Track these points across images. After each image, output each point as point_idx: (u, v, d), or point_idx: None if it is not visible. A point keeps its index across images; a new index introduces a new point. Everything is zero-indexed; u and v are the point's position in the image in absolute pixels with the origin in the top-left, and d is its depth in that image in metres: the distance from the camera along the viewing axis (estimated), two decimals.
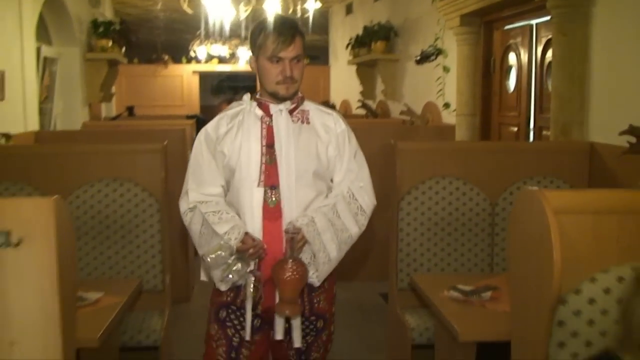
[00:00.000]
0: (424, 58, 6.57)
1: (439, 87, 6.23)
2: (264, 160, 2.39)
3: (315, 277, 2.42)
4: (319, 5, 6.53)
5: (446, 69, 6.06)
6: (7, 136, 4.43)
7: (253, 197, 2.38)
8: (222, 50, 13.08)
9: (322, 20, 11.19)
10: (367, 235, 4.99)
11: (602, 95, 3.73)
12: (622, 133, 2.92)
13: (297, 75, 2.39)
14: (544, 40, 4.68)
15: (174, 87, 13.12)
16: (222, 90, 17.71)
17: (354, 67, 9.13)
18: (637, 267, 1.67)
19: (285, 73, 2.35)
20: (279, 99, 2.41)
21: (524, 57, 5.00)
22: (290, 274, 2.22)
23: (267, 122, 2.42)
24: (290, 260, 2.24)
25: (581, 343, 1.76)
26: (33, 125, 5.49)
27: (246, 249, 2.31)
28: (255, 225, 2.37)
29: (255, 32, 2.41)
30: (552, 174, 3.64)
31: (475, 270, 3.54)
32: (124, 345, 3.28)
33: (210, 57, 13.73)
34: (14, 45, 5.06)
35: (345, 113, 10.01)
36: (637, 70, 3.40)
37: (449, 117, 6.05)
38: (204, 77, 14.78)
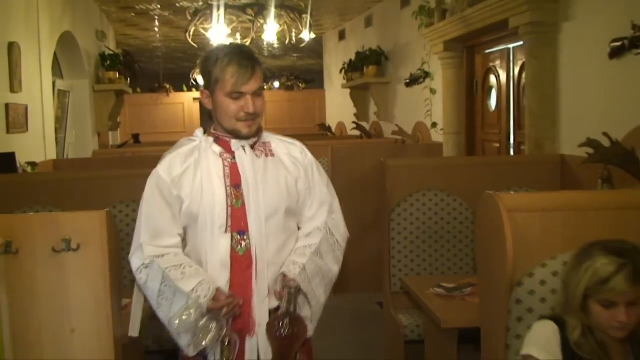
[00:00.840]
0: (413, 81, 7.04)
1: (427, 107, 6.68)
2: (230, 203, 2.14)
3: (311, 329, 2.25)
4: (313, 36, 6.97)
5: (433, 91, 6.51)
6: (33, 164, 4.85)
7: (220, 245, 2.12)
8: None
9: (317, 45, 11.67)
10: (364, 248, 5.39)
11: (570, 112, 4.16)
12: (581, 145, 3.34)
13: (259, 110, 2.16)
14: (520, 63, 5.12)
15: (176, 114, 13.57)
16: None
17: (347, 91, 9.58)
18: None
19: (247, 109, 2.12)
20: (240, 137, 2.19)
21: (503, 78, 5.44)
22: (291, 331, 2.03)
23: (229, 160, 2.19)
24: (289, 318, 2.05)
25: (535, 317, 2.15)
26: (51, 154, 5.93)
27: (219, 307, 2.08)
28: (222, 278, 2.13)
29: (208, 63, 2.14)
30: (528, 184, 4.05)
31: (460, 272, 3.94)
32: (148, 349, 3.66)
33: None
34: (34, 81, 5.50)
35: (341, 134, 10.47)
36: (598, 89, 3.83)
37: (437, 136, 6.47)
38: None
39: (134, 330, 2.28)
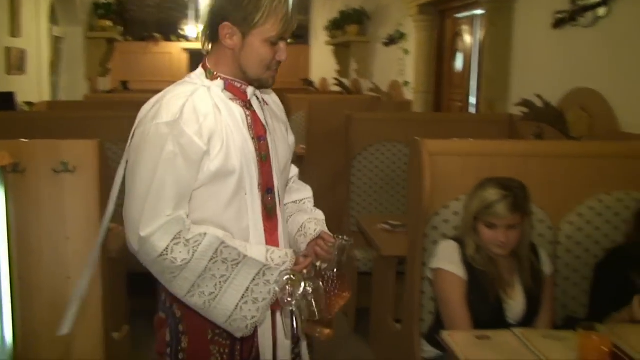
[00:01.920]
0: (390, 41, 7.44)
1: (400, 67, 7.10)
2: (258, 157, 1.85)
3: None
4: None
5: (406, 52, 6.92)
6: (30, 104, 5.26)
7: (254, 206, 1.84)
8: None
9: (306, 1, 11.98)
10: (335, 194, 5.82)
11: (519, 76, 4.60)
12: (517, 105, 3.79)
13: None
14: (484, 30, 5.53)
15: (164, 63, 13.89)
16: None
17: (331, 48, 9.95)
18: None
19: (281, 57, 1.84)
20: (261, 86, 1.90)
21: (468, 42, 5.85)
22: (347, 292, 1.86)
23: (248, 108, 1.88)
24: (343, 275, 1.86)
25: None
26: (46, 96, 6.33)
27: (300, 270, 1.83)
28: (260, 242, 1.85)
29: (245, 1, 1.75)
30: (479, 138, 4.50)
31: None
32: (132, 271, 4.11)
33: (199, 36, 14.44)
34: (32, 27, 5.87)
35: (324, 89, 10.87)
36: (542, 56, 4.27)
37: (408, 94, 6.91)
38: (193, 54, 15.50)
39: (65, 327, 1.90)
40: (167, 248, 1.69)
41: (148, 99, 1.83)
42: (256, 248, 1.80)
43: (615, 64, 3.48)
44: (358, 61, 8.82)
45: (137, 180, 1.73)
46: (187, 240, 1.71)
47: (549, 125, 3.77)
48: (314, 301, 1.73)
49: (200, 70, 1.87)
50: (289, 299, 1.72)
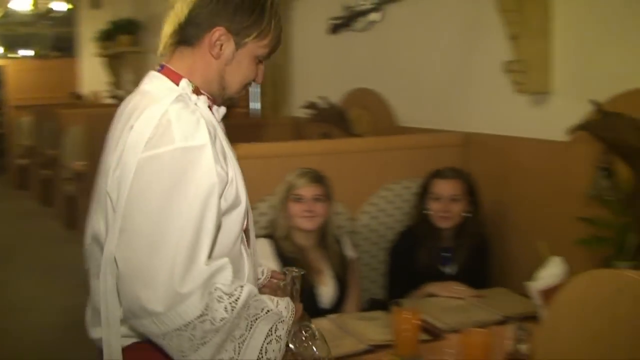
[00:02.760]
0: None
1: None
2: None
3: None
4: (70, 6, 7.03)
5: None
6: None
7: (250, 242, 1.65)
8: None
9: (69, 14, 11.45)
10: None
11: (300, 79, 4.82)
12: (303, 107, 3.98)
13: None
14: None
15: None
16: None
17: (102, 59, 9.63)
18: None
19: (260, 79, 1.64)
20: (228, 105, 1.67)
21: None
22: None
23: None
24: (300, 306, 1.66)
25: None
26: None
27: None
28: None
29: (250, 9, 1.53)
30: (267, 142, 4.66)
31: None
32: None
33: None
34: None
35: (96, 102, 10.49)
36: (320, 60, 4.52)
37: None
38: None
39: None
40: (208, 307, 1.32)
41: None
42: (266, 297, 1.49)
43: (389, 65, 3.79)
44: (135, 72, 8.64)
45: (169, 222, 1.32)
46: (228, 295, 1.36)
47: (334, 125, 4.00)
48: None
49: (184, 82, 1.51)
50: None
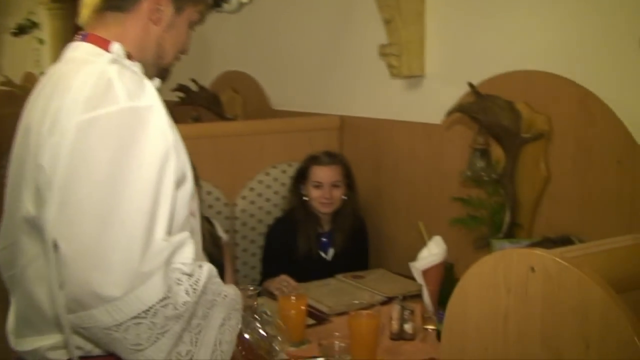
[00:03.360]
0: (21, 31, 6.94)
1: (36, 57, 6.69)
2: None
3: None
4: None
5: (41, 41, 6.55)
6: None
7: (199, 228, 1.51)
8: None
9: None
10: None
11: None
12: (173, 90, 3.84)
13: None
14: None
15: None
16: None
17: None
18: None
19: (188, 48, 1.56)
20: (161, 78, 1.52)
21: None
22: None
23: None
24: None
25: None
26: None
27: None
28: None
29: None
30: None
31: None
32: None
33: None
34: None
35: None
36: (193, 41, 4.37)
37: None
38: None
39: None
40: (170, 289, 1.16)
41: None
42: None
43: (261, 47, 3.73)
44: None
45: (121, 191, 1.15)
46: (188, 276, 1.20)
47: (206, 108, 3.90)
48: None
49: (117, 46, 1.34)
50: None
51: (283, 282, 2.44)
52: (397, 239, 2.87)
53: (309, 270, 2.59)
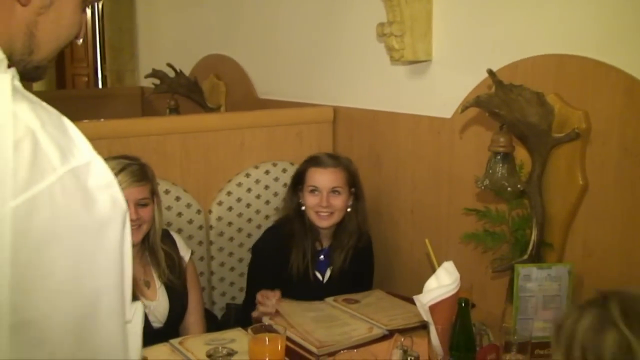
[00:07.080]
0: None
1: None
2: None
3: None
4: None
5: None
6: None
7: None
8: None
9: None
10: None
11: (148, 45, 4.26)
12: (147, 76, 3.45)
13: None
14: None
15: None
16: None
17: None
18: None
19: (82, 35, 1.17)
20: (29, 78, 1.06)
21: (88, 11, 5.33)
22: None
23: None
24: None
25: None
26: None
27: None
28: None
29: None
30: (114, 115, 4.04)
31: None
32: None
33: None
34: None
35: None
36: (172, 24, 3.97)
37: None
38: None
39: None
40: None
41: None
42: None
43: (246, 29, 3.32)
44: None
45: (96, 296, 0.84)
46: None
47: (184, 96, 3.50)
48: None
49: None
50: None
51: (260, 297, 2.08)
52: (397, 253, 2.46)
53: (301, 292, 2.18)
